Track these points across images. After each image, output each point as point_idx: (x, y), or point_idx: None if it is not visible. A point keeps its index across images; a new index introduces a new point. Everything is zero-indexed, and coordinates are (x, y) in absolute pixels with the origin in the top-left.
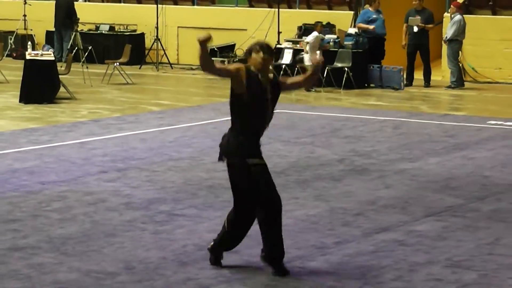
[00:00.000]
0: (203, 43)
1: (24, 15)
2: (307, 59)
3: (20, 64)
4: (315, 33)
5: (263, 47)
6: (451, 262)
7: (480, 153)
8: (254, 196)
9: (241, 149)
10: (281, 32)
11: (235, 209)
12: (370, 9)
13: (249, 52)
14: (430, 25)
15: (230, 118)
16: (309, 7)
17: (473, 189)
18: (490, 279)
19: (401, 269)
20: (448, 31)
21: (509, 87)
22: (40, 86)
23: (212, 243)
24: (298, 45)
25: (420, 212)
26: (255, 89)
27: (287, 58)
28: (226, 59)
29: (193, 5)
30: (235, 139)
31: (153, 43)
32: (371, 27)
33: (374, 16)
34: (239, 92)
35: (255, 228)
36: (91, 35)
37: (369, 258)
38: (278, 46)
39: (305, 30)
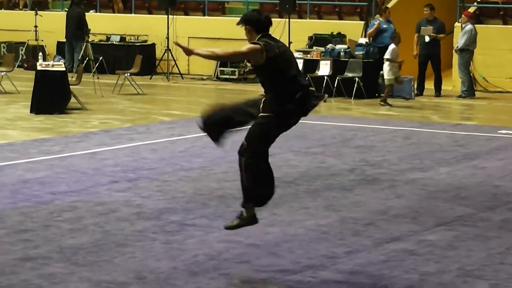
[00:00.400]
0: (189, 52)
1: (35, 26)
2: (386, 72)
3: (31, 75)
4: (392, 46)
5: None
6: (462, 272)
7: (491, 162)
8: None
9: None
10: (291, 42)
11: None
12: (380, 19)
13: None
14: (441, 35)
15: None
16: (320, 17)
17: (483, 199)
18: None
19: (411, 278)
20: (459, 40)
21: None
22: (51, 96)
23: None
24: (308, 55)
25: (431, 222)
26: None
27: None
28: (236, 69)
29: (204, 15)
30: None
31: (163, 54)
32: (376, 22)
33: (385, 26)
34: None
35: (265, 238)
36: (102, 45)
37: (380, 267)
38: None
39: (315, 40)
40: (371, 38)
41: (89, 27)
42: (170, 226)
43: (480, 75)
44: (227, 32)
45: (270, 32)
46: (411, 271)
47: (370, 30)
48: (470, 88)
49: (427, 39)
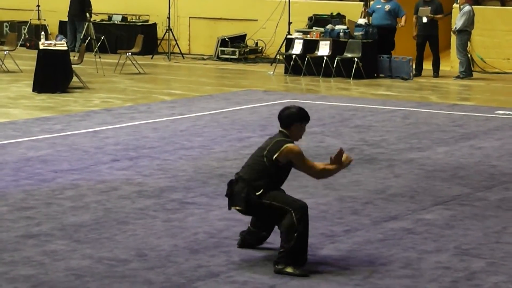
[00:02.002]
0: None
1: (38, 6)
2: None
3: (33, 54)
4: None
5: (307, 119)
6: (459, 250)
7: (488, 142)
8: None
9: None
10: (291, 23)
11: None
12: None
13: (299, 121)
14: (439, 16)
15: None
16: None
17: (481, 178)
18: (498, 267)
19: (409, 257)
20: (458, 21)
21: None
22: (53, 75)
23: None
24: (308, 36)
25: (429, 201)
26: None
27: (297, 48)
28: (237, 49)
29: None
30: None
31: (165, 34)
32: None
33: (378, 6)
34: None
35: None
36: (104, 25)
37: (378, 246)
38: (289, 36)
39: (315, 20)
40: (370, 18)
41: (91, 7)
42: (170, 204)
43: (478, 56)
44: (227, 12)
45: (270, 12)
46: (409, 250)
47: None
48: (468, 69)
49: (424, 20)
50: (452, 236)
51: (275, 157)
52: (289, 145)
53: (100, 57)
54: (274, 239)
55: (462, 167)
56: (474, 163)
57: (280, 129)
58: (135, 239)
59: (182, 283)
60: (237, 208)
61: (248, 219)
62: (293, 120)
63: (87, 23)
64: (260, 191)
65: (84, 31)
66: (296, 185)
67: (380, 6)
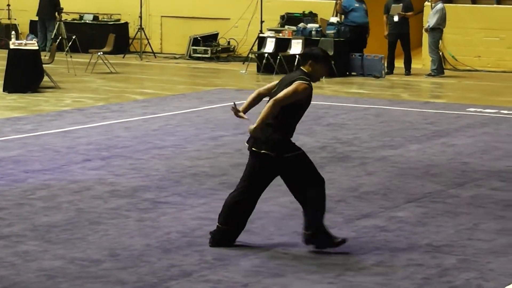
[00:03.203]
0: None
1: (8, 5)
2: None
3: (4, 53)
4: None
5: (330, 60)
6: (431, 247)
7: (460, 140)
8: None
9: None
10: (263, 21)
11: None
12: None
13: (315, 59)
14: (410, 13)
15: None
16: None
17: (453, 176)
18: (469, 264)
19: (382, 254)
20: (430, 19)
21: (488, 74)
22: (24, 75)
23: None
24: (280, 34)
25: (401, 199)
26: (310, 96)
27: (269, 47)
28: (209, 48)
29: None
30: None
31: (136, 33)
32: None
33: (356, 5)
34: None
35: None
36: (75, 24)
37: (351, 244)
38: (261, 35)
39: (287, 19)
40: (342, 16)
41: (62, 6)
42: (143, 204)
43: (449, 53)
44: (199, 11)
45: (243, 11)
46: (381, 247)
47: (337, 6)
48: (440, 67)
49: (396, 18)
50: (424, 233)
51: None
52: (298, 83)
53: (71, 57)
54: (246, 238)
55: (434, 165)
56: (446, 160)
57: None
58: (107, 239)
59: (154, 283)
60: (263, 152)
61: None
62: (319, 57)
63: (58, 23)
64: (290, 143)
65: (55, 30)
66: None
67: (358, 5)
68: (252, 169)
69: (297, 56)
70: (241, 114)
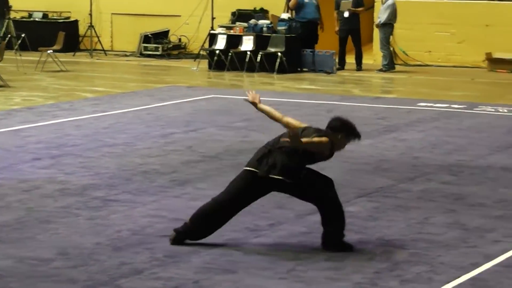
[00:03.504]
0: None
1: None
2: None
3: None
4: None
5: (356, 139)
6: (383, 242)
7: (411, 134)
8: None
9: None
10: (215, 18)
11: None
12: None
13: (347, 135)
14: (360, 9)
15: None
16: None
17: (404, 170)
18: (420, 257)
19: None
20: (382, 15)
21: (439, 69)
22: None
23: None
24: (231, 31)
25: (352, 193)
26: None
27: (221, 43)
28: (160, 45)
29: None
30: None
31: (86, 30)
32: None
33: (307, 1)
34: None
35: (189, 212)
36: (24, 22)
37: (302, 239)
38: (212, 32)
39: (238, 15)
40: (293, 12)
41: (10, 4)
42: (93, 202)
43: (400, 49)
44: (150, 8)
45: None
46: None
47: (291, 2)
48: (391, 62)
49: (346, 14)
50: (375, 227)
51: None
52: (325, 139)
53: (20, 55)
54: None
55: (386, 159)
56: (397, 155)
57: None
58: (57, 238)
59: (105, 281)
60: (279, 178)
61: (172, 215)
62: (348, 132)
63: (6, 21)
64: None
65: (3, 28)
66: (221, 181)
67: (308, 1)
68: (242, 188)
69: (249, 52)
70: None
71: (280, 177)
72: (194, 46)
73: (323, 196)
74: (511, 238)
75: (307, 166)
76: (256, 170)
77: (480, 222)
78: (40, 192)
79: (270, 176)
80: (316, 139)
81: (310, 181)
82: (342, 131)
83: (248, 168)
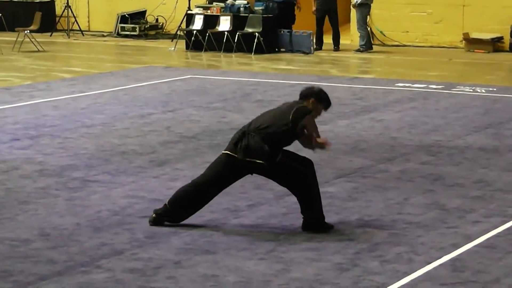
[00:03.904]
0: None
1: None
2: None
3: None
4: None
5: (328, 107)
6: (362, 222)
7: (389, 115)
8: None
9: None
10: None
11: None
12: None
13: (318, 99)
14: None
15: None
16: None
17: (382, 151)
18: (400, 238)
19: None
20: None
21: (416, 49)
22: None
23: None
24: (209, 11)
25: (331, 174)
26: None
27: (198, 24)
28: (137, 26)
29: None
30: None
31: (63, 10)
32: None
33: None
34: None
35: (168, 192)
36: (1, 2)
37: (282, 220)
38: (189, 12)
39: None
40: None
41: None
42: (72, 183)
43: (377, 29)
44: None
45: None
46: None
47: None
48: (368, 42)
49: None
50: (354, 208)
51: (299, 126)
52: (309, 116)
53: None
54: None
55: (363, 140)
56: (375, 135)
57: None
58: (37, 219)
59: (85, 262)
60: (257, 161)
61: (151, 196)
62: (321, 99)
63: None
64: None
65: None
66: (199, 161)
67: None
68: (221, 171)
69: (226, 33)
70: None
71: (257, 160)
72: (171, 27)
73: (299, 183)
74: (491, 218)
75: (286, 148)
76: (234, 154)
77: (459, 202)
78: (18, 173)
79: (247, 159)
80: (309, 128)
81: (287, 165)
82: (312, 95)
83: (226, 152)
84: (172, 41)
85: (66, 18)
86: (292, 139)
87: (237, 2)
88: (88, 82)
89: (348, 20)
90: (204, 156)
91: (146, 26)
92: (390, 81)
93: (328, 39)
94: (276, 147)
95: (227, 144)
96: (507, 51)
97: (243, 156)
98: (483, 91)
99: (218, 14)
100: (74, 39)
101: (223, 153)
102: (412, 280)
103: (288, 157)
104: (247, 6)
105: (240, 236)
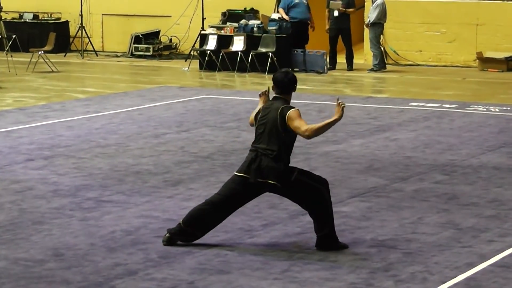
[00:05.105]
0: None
1: None
2: None
3: None
4: None
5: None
6: (376, 242)
7: (403, 134)
8: None
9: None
10: (205, 18)
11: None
12: None
13: (294, 87)
14: (351, 10)
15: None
16: None
17: (396, 170)
18: (414, 257)
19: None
20: (371, 14)
21: (429, 69)
22: None
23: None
24: (222, 31)
25: (345, 194)
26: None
27: (211, 44)
28: (151, 46)
29: None
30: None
31: (77, 31)
32: (287, 17)
33: (297, 1)
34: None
35: (182, 212)
36: (15, 23)
37: (296, 239)
38: (203, 32)
39: (229, 16)
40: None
41: (1, 5)
42: (87, 203)
43: (391, 48)
44: (140, 8)
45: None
46: None
47: (281, 12)
48: (382, 62)
49: (336, 13)
50: (368, 227)
51: (287, 126)
52: (291, 111)
53: (11, 56)
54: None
55: (378, 159)
56: (389, 154)
57: (277, 95)
58: (51, 239)
59: (99, 282)
60: (270, 182)
61: (165, 216)
62: (294, 87)
63: None
64: (289, 167)
65: None
66: (213, 181)
67: (298, 0)
68: (235, 190)
69: (239, 53)
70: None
71: (271, 182)
72: (185, 47)
73: (316, 201)
74: (505, 238)
75: (300, 168)
76: (247, 176)
77: (473, 221)
78: (33, 193)
79: (260, 180)
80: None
81: (303, 183)
82: (290, 88)
83: (239, 174)
84: (186, 61)
85: (80, 39)
86: (294, 136)
87: (250, 22)
88: (103, 102)
89: (361, 39)
90: (218, 176)
91: (160, 46)
92: (404, 101)
93: (341, 59)
94: (287, 163)
95: (241, 165)
96: None
97: (254, 178)
98: (497, 110)
99: (232, 34)
100: (88, 60)
101: (235, 174)
102: None
103: (304, 175)
104: (260, 26)
105: (255, 256)
